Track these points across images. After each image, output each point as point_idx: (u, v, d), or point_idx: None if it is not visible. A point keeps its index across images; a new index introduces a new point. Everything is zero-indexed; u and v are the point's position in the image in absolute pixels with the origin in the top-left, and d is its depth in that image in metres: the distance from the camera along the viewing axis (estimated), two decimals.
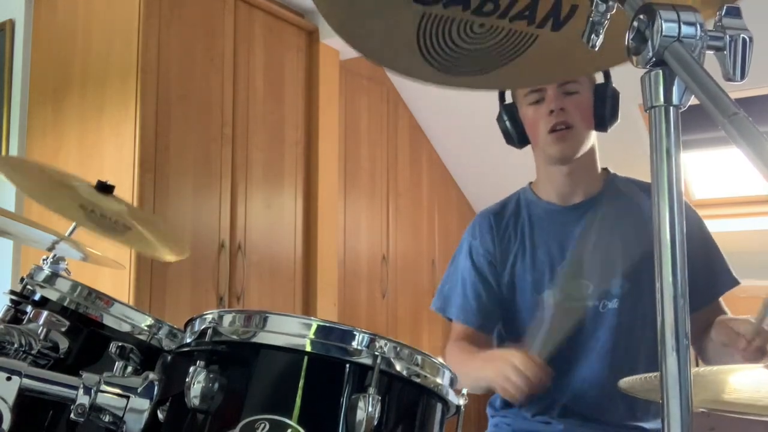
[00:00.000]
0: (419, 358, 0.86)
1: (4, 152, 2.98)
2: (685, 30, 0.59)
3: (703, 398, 0.85)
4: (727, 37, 0.60)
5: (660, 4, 0.60)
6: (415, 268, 4.07)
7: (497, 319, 1.59)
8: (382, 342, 0.82)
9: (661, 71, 0.60)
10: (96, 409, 0.89)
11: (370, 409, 0.78)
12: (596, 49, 0.75)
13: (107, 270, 2.44)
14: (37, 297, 1.16)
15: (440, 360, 0.89)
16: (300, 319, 0.84)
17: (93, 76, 2.80)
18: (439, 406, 0.90)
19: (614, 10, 0.72)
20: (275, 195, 3.18)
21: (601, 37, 0.75)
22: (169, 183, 2.71)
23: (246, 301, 2.97)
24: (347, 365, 0.82)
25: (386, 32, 0.91)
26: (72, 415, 0.89)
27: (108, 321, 1.10)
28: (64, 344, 1.07)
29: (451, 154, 4.34)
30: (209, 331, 0.85)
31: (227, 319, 0.86)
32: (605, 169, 1.61)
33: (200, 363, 0.81)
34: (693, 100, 0.60)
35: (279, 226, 3.18)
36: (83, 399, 0.88)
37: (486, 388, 1.52)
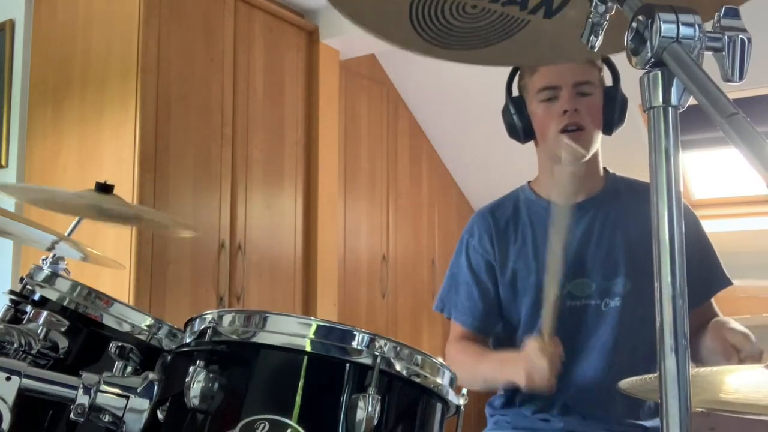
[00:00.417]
0: (419, 358, 0.86)
1: (4, 152, 2.98)
2: (684, 31, 0.59)
3: (702, 398, 0.85)
4: (726, 38, 0.60)
5: (659, 5, 0.60)
6: (415, 268, 4.07)
7: (495, 321, 1.59)
8: (382, 342, 0.83)
9: (659, 72, 0.60)
10: (96, 409, 0.89)
11: (370, 408, 0.78)
12: (595, 49, 0.75)
13: (107, 270, 2.44)
14: (36, 297, 1.16)
15: (440, 360, 0.89)
16: (300, 319, 0.84)
17: (93, 76, 2.80)
18: (439, 406, 0.91)
19: (613, 11, 0.73)
20: (275, 195, 3.18)
21: (601, 37, 0.75)
22: (169, 183, 2.71)
23: (246, 301, 2.97)
24: (347, 365, 0.82)
25: (380, 5, 0.91)
26: (72, 415, 0.89)
27: (108, 321, 1.10)
28: (63, 344, 1.08)
29: (451, 154, 4.34)
30: (209, 331, 0.85)
31: (227, 319, 0.87)
32: (605, 169, 1.61)
33: (200, 363, 0.81)
34: (692, 101, 0.60)
35: (279, 226, 3.18)
36: (83, 399, 0.89)
37: (495, 387, 1.55)
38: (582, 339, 1.48)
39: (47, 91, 2.95)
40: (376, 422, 0.78)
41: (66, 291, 1.13)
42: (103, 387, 0.90)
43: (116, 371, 0.95)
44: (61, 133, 2.87)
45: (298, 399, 0.80)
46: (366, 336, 0.83)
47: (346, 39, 3.39)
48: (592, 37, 0.75)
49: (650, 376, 0.96)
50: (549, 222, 1.56)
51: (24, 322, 1.10)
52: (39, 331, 1.06)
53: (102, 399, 0.89)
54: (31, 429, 1.05)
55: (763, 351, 1.27)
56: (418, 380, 0.85)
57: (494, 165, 4.14)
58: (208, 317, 0.88)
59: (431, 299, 4.09)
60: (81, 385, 0.89)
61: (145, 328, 1.10)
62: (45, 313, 1.07)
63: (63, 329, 1.07)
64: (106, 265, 1.72)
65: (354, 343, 0.82)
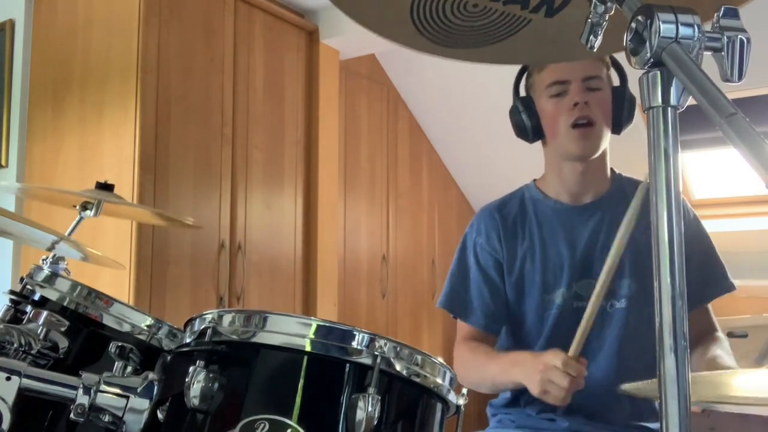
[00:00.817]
0: (419, 357, 0.86)
1: (4, 152, 2.98)
2: (683, 31, 0.59)
3: (702, 396, 0.86)
4: (725, 38, 0.60)
5: (658, 5, 0.60)
6: (415, 268, 4.07)
7: (503, 320, 1.58)
8: (382, 342, 0.83)
9: (659, 72, 0.60)
10: (96, 409, 0.89)
11: (370, 408, 0.78)
12: (594, 50, 0.75)
13: (107, 270, 2.44)
14: (36, 297, 1.16)
15: (440, 360, 0.89)
16: (300, 319, 0.84)
17: (93, 76, 2.80)
18: (439, 406, 0.91)
19: (612, 11, 0.73)
20: (275, 195, 3.18)
21: (600, 37, 0.75)
22: (169, 183, 2.71)
23: (246, 301, 2.97)
24: (347, 365, 0.82)
25: (381, 4, 0.91)
26: (72, 415, 0.89)
27: (108, 321, 1.10)
28: (63, 344, 1.08)
29: (451, 154, 4.34)
30: (209, 331, 0.85)
31: (227, 319, 0.87)
32: (612, 170, 1.60)
33: (200, 363, 0.81)
34: (691, 101, 0.60)
35: (279, 226, 3.18)
36: (83, 399, 0.89)
37: (505, 389, 1.53)
38: (588, 340, 1.47)
39: (47, 91, 2.96)
40: (376, 422, 0.78)
41: (66, 291, 1.13)
42: (103, 387, 0.90)
43: (116, 371, 0.95)
44: (61, 133, 2.87)
45: (298, 399, 0.80)
46: (366, 336, 0.83)
47: (346, 39, 3.39)
48: (591, 37, 0.75)
49: (652, 380, 0.96)
50: (557, 222, 1.54)
51: (24, 322, 1.10)
52: (39, 331, 1.06)
53: (102, 399, 0.89)
54: (31, 429, 1.05)
55: None
56: (418, 380, 0.85)
57: (494, 165, 4.14)
58: (208, 317, 0.88)
59: (431, 299, 4.09)
60: (81, 385, 0.89)
61: (145, 328, 1.10)
62: (45, 313, 1.07)
63: (63, 329, 1.07)
64: (106, 265, 1.72)
65: (354, 343, 0.82)
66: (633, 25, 0.61)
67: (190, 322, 0.92)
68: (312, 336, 0.82)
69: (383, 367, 0.81)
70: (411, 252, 4.05)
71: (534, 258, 1.53)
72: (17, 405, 0.86)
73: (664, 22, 0.59)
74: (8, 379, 0.87)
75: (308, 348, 0.82)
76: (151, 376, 0.93)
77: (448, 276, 1.64)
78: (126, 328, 1.10)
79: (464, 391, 0.95)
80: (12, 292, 1.19)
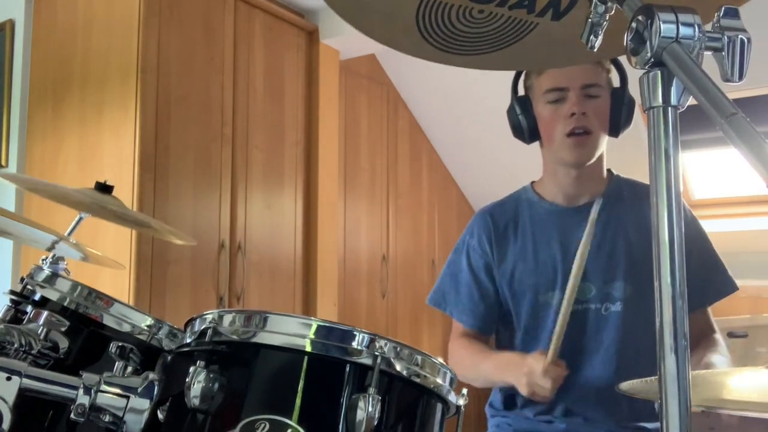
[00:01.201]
0: (419, 358, 0.86)
1: (4, 152, 2.98)
2: (684, 31, 0.59)
3: (703, 397, 0.86)
4: (726, 38, 0.60)
5: (658, 5, 0.60)
6: (415, 268, 4.07)
7: (494, 321, 1.59)
8: (382, 342, 0.83)
9: (659, 72, 0.60)
10: (96, 409, 0.89)
11: (370, 409, 0.78)
12: (595, 50, 0.75)
13: (107, 270, 2.44)
14: (37, 297, 1.16)
15: (440, 360, 0.89)
16: (300, 319, 0.84)
17: (93, 76, 2.80)
18: (439, 406, 0.91)
19: (613, 11, 0.73)
20: (275, 195, 3.18)
21: (600, 37, 0.75)
22: (169, 183, 2.71)
23: (246, 301, 2.97)
24: (347, 365, 0.82)
25: (386, 13, 0.91)
26: (72, 415, 0.89)
27: (108, 321, 1.10)
28: (64, 344, 1.08)
29: (451, 154, 4.34)
30: (209, 331, 0.85)
31: (227, 319, 0.87)
32: (608, 170, 1.60)
33: (200, 363, 0.81)
34: (691, 101, 0.60)
35: (279, 226, 3.18)
36: (83, 399, 0.89)
37: (496, 386, 1.55)
38: (584, 343, 1.47)
39: (47, 91, 2.96)
40: (376, 422, 0.78)
41: (66, 291, 1.13)
42: (104, 387, 0.90)
43: (116, 371, 0.95)
44: (61, 133, 2.87)
45: (299, 399, 0.80)
46: (366, 336, 0.83)
47: (346, 39, 3.39)
48: (591, 37, 0.75)
49: (651, 378, 0.96)
50: (550, 224, 1.55)
51: (24, 322, 1.10)
52: (39, 331, 1.06)
53: (102, 399, 0.89)
54: (32, 429, 1.05)
55: None
56: (418, 380, 0.85)
57: (494, 165, 4.13)
58: (209, 317, 0.88)
59: None
60: (81, 385, 0.89)
61: (146, 328, 1.10)
62: (45, 313, 1.07)
63: (63, 329, 1.07)
64: (106, 265, 1.72)
65: (354, 343, 0.82)
66: (633, 25, 0.61)
67: (190, 322, 0.92)
68: (312, 336, 0.82)
69: (383, 368, 0.81)
70: (411, 252, 4.05)
71: (526, 260, 1.54)
72: (17, 405, 0.86)
73: (665, 21, 0.59)
74: (8, 379, 0.87)
75: (308, 348, 0.82)
76: (152, 376, 0.93)
77: (440, 276, 1.68)
78: (126, 328, 1.10)
79: (464, 391, 0.95)
80: (12, 292, 1.19)
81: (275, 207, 3.17)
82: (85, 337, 1.10)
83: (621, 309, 1.46)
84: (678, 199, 0.59)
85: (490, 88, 3.61)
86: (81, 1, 2.89)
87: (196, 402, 0.80)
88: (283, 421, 0.78)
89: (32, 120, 2.99)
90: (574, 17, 0.87)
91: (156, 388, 0.92)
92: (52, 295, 1.13)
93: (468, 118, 4.03)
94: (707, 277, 1.50)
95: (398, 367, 0.83)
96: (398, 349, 0.84)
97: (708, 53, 0.60)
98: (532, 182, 1.64)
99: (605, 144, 1.52)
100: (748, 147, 0.52)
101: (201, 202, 2.85)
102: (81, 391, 0.89)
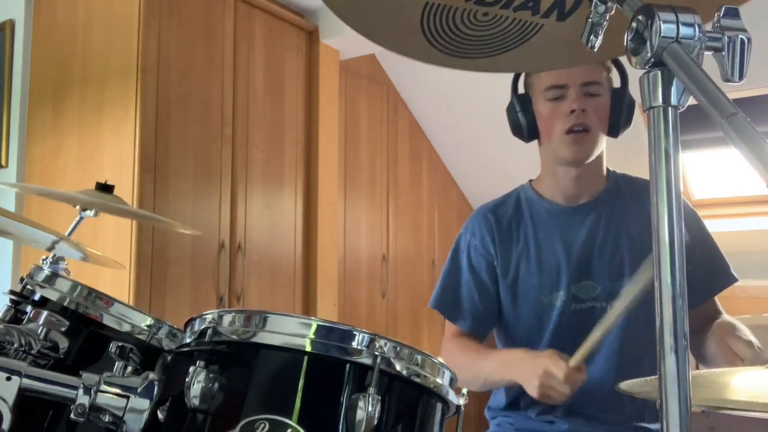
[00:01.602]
0: (419, 357, 0.86)
1: (4, 152, 2.98)
2: (684, 31, 0.59)
3: (703, 397, 0.85)
4: (726, 37, 0.60)
5: (659, 5, 0.60)
6: (415, 268, 4.07)
7: (491, 324, 1.58)
8: (382, 342, 0.83)
9: (659, 72, 0.60)
10: (96, 409, 0.89)
11: (370, 408, 0.78)
12: (595, 50, 0.75)
13: (107, 270, 2.44)
14: (37, 297, 1.15)
15: (440, 360, 0.89)
16: (300, 319, 0.84)
17: (93, 76, 2.80)
18: (439, 406, 0.91)
19: (613, 11, 0.73)
20: (275, 195, 3.18)
21: (600, 37, 0.75)
22: (169, 183, 2.72)
23: (246, 301, 2.97)
24: (347, 365, 0.82)
25: (391, 18, 0.91)
26: (72, 415, 0.89)
27: (108, 321, 1.10)
28: (64, 344, 1.08)
29: (451, 154, 4.34)
30: (209, 331, 0.85)
31: (227, 319, 0.87)
32: (607, 168, 1.59)
33: (200, 363, 0.81)
34: (692, 101, 0.60)
35: (279, 226, 3.18)
36: (83, 399, 0.89)
37: (497, 388, 1.53)
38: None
39: (47, 91, 2.96)
40: (376, 422, 0.78)
41: (66, 291, 1.13)
42: (104, 387, 0.90)
43: (116, 371, 0.95)
44: (61, 133, 2.87)
45: (298, 399, 0.80)
46: (366, 336, 0.83)
47: (346, 39, 3.39)
48: (591, 37, 0.75)
49: (652, 377, 0.96)
50: (552, 223, 1.54)
51: (24, 322, 1.10)
52: (39, 331, 1.06)
53: (102, 399, 0.89)
54: (31, 429, 1.05)
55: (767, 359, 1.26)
56: (418, 380, 0.85)
57: (494, 165, 4.14)
58: (208, 317, 0.88)
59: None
60: (81, 385, 0.89)
61: (145, 328, 1.10)
62: (45, 313, 1.07)
63: (63, 329, 1.07)
64: (106, 265, 1.72)
65: (354, 343, 0.82)
66: (634, 24, 0.61)
67: (190, 322, 0.92)
68: (312, 336, 0.82)
69: (383, 367, 0.81)
70: (411, 252, 4.05)
71: (529, 260, 1.53)
72: (17, 405, 0.86)
73: (665, 21, 0.59)
74: (8, 379, 0.87)
75: (308, 348, 0.82)
76: (152, 376, 0.93)
77: (440, 276, 1.65)
78: (126, 328, 1.10)
79: (464, 391, 0.94)
80: (12, 292, 1.19)
81: (275, 207, 3.17)
82: (85, 337, 1.10)
83: None
84: (678, 199, 0.59)
85: (490, 88, 3.61)
86: (81, 1, 2.89)
87: (196, 402, 0.80)
88: (283, 421, 0.78)
89: (32, 120, 2.99)
90: (579, 18, 0.87)
91: (156, 388, 0.92)
92: (52, 295, 1.13)
93: (468, 118, 4.03)
94: (712, 269, 1.51)
95: (398, 367, 0.83)
96: (398, 348, 0.84)
97: (708, 53, 0.60)
98: (530, 181, 1.64)
99: (604, 143, 1.52)
100: (748, 147, 0.52)
101: (201, 202, 2.85)
102: (81, 391, 0.89)
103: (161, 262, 2.65)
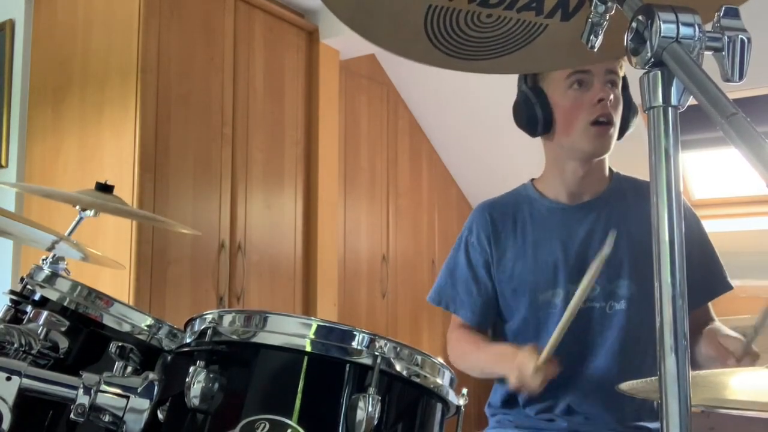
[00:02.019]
0: (419, 358, 0.86)
1: (4, 152, 2.98)
2: (684, 31, 0.59)
3: (703, 397, 0.85)
4: (726, 37, 0.60)
5: (659, 5, 0.60)
6: (415, 268, 4.07)
7: (491, 316, 1.59)
8: (382, 342, 0.83)
9: (659, 72, 0.60)
10: (96, 409, 0.89)
11: (370, 409, 0.78)
12: (595, 50, 0.75)
13: (107, 270, 2.44)
14: (37, 297, 1.16)
15: (440, 360, 0.89)
16: (300, 319, 0.84)
17: (93, 76, 2.80)
18: (439, 406, 0.91)
19: (613, 11, 0.73)
20: (275, 195, 3.18)
21: (600, 37, 0.75)
22: (169, 183, 2.72)
23: (246, 301, 2.97)
24: (347, 365, 0.82)
25: (395, 22, 0.91)
26: (72, 415, 0.89)
27: (108, 321, 1.10)
28: (64, 344, 1.08)
29: (451, 154, 4.34)
30: (209, 331, 0.85)
31: (227, 319, 0.87)
32: (610, 169, 1.59)
33: (200, 363, 0.81)
34: (692, 101, 0.60)
35: (279, 226, 3.19)
36: (83, 399, 0.89)
37: (494, 377, 1.56)
38: (587, 341, 1.47)
39: (47, 91, 2.96)
40: (376, 422, 0.78)
41: (66, 291, 1.13)
42: (104, 387, 0.90)
43: (116, 371, 0.95)
44: (61, 133, 2.87)
45: (298, 399, 0.80)
46: (366, 336, 0.83)
47: (346, 39, 3.39)
48: (591, 37, 0.75)
49: (652, 378, 0.96)
50: (551, 221, 1.54)
51: (24, 322, 1.10)
52: (39, 331, 1.06)
53: (102, 399, 0.89)
54: (31, 429, 1.05)
55: (758, 352, 1.27)
56: (418, 380, 0.85)
57: (494, 165, 4.14)
58: (209, 317, 0.88)
59: None
60: (81, 385, 0.89)
61: (146, 328, 1.10)
62: (45, 313, 1.07)
63: (63, 329, 1.07)
64: (106, 265, 1.72)
65: (354, 343, 0.82)
66: (634, 24, 0.61)
67: (190, 322, 0.92)
68: (312, 336, 0.82)
69: (383, 368, 0.81)
70: (411, 252, 4.05)
71: (526, 258, 1.53)
72: (17, 405, 0.86)
73: (665, 21, 0.59)
74: (8, 379, 0.87)
75: (308, 348, 0.82)
76: (152, 376, 0.93)
77: (440, 272, 1.67)
78: (126, 328, 1.10)
79: (464, 391, 0.94)
80: (12, 292, 1.19)
81: (275, 207, 3.17)
82: (85, 337, 1.10)
83: (625, 307, 1.46)
84: (678, 199, 0.59)
85: (491, 88, 3.61)
86: (81, 1, 2.89)
87: (196, 402, 0.80)
88: (283, 421, 0.78)
89: (32, 120, 2.99)
90: (583, 18, 0.87)
91: (156, 388, 0.92)
92: (52, 295, 1.13)
93: (468, 118, 4.03)
94: (709, 275, 1.51)
95: (398, 367, 0.83)
96: (398, 349, 0.84)
97: (708, 53, 0.60)
98: (532, 179, 1.63)
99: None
100: (748, 147, 0.52)
101: (201, 202, 2.85)
102: (81, 391, 0.89)
103: (161, 262, 2.65)
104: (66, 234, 1.49)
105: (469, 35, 0.91)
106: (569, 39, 0.91)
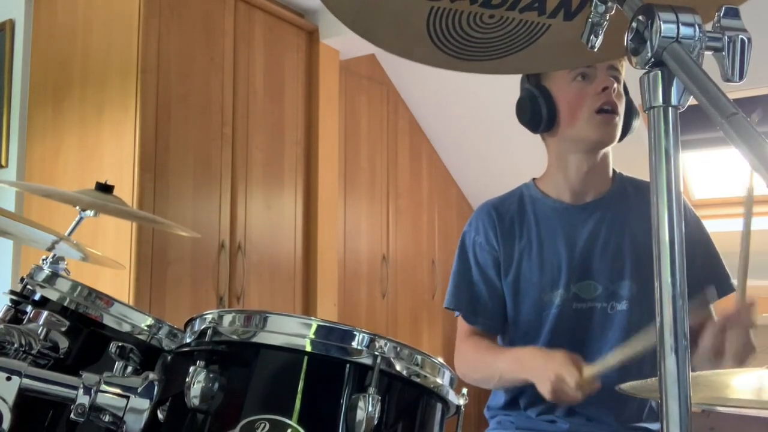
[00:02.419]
0: (419, 358, 0.86)
1: (4, 152, 2.98)
2: (684, 31, 0.59)
3: (703, 396, 0.86)
4: (726, 37, 0.60)
5: (659, 5, 0.60)
6: (415, 268, 4.07)
7: (502, 320, 1.56)
8: (382, 342, 0.83)
9: (659, 72, 0.60)
10: (96, 409, 0.89)
11: (370, 409, 0.78)
12: (595, 49, 0.75)
13: (107, 270, 2.44)
14: (37, 297, 1.16)
15: (440, 360, 0.89)
16: (300, 319, 0.84)
17: (93, 76, 2.80)
18: (439, 406, 0.91)
19: (613, 11, 0.73)
20: (275, 195, 3.18)
21: (601, 37, 0.75)
22: (169, 183, 2.71)
23: (246, 301, 2.97)
24: (347, 365, 0.82)
25: (397, 24, 0.91)
26: (72, 415, 0.89)
27: (108, 321, 1.10)
28: (64, 344, 1.08)
29: (451, 154, 4.34)
30: (209, 331, 0.85)
31: (227, 319, 0.87)
32: (613, 170, 1.58)
33: (200, 363, 0.81)
34: (692, 101, 0.60)
35: (279, 226, 3.19)
36: (83, 399, 0.89)
37: (513, 386, 1.51)
38: (589, 342, 1.46)
39: (47, 91, 2.96)
40: (376, 422, 0.78)
41: (66, 291, 1.13)
42: (104, 387, 0.90)
43: (116, 371, 0.95)
44: (61, 133, 2.87)
45: (299, 399, 0.80)
46: (366, 336, 0.83)
47: (346, 39, 3.39)
48: (591, 37, 0.75)
49: (652, 379, 0.96)
50: (556, 221, 1.54)
51: (24, 322, 1.10)
52: (39, 331, 1.06)
53: (102, 399, 0.89)
54: (31, 429, 1.05)
55: (754, 346, 1.28)
56: (418, 380, 0.85)
57: (494, 165, 4.14)
58: (209, 317, 0.88)
59: (431, 299, 4.09)
60: (81, 385, 0.89)
61: (146, 328, 1.10)
62: (45, 313, 1.07)
63: (63, 329, 1.07)
64: (106, 265, 1.72)
65: (354, 343, 0.82)
66: (634, 24, 0.61)
67: (190, 322, 0.92)
68: (312, 336, 0.82)
69: (383, 367, 0.81)
70: (411, 252, 4.05)
71: (531, 257, 1.52)
72: (17, 405, 0.86)
73: (665, 21, 0.59)
74: (8, 379, 0.87)
75: (308, 348, 0.82)
76: (152, 376, 0.93)
77: (451, 275, 1.63)
78: (126, 328, 1.10)
79: (464, 391, 0.94)
80: (12, 292, 1.19)
81: (275, 207, 3.17)
82: (85, 337, 1.10)
83: (627, 308, 1.46)
84: (678, 199, 0.59)
85: (491, 88, 3.61)
86: (81, 1, 2.89)
87: (196, 402, 0.80)
88: (283, 421, 0.78)
89: (32, 120, 2.99)
90: (585, 17, 0.87)
91: (156, 388, 0.92)
92: (52, 295, 1.13)
93: (468, 118, 4.03)
94: (712, 277, 1.49)
95: (398, 367, 0.83)
96: (398, 349, 0.84)
97: (708, 53, 0.60)
98: (534, 179, 1.63)
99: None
100: (749, 147, 0.52)
101: (201, 202, 2.85)
102: (81, 391, 0.89)
103: (161, 262, 2.65)
104: (66, 234, 1.49)
105: (472, 36, 0.91)
106: (572, 39, 0.90)
